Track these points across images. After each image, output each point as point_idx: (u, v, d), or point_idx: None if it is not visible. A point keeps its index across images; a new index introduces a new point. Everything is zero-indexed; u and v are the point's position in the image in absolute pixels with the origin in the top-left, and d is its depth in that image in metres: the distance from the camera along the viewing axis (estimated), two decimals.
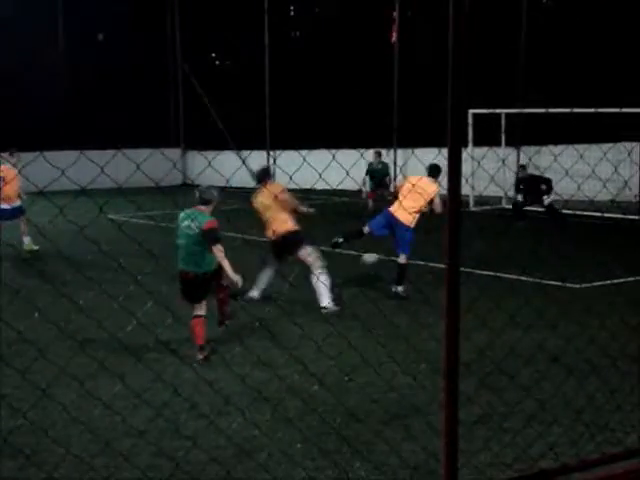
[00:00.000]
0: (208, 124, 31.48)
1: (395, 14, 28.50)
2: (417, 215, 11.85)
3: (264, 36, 31.04)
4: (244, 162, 28.25)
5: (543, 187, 20.01)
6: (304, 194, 19.55)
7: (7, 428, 6.79)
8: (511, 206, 21.26)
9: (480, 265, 12.35)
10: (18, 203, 15.54)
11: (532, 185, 20.22)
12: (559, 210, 19.21)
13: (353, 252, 11.97)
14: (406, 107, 27.79)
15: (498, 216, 21.16)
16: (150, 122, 31.57)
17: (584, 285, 12.55)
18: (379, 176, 21.28)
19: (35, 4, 29.37)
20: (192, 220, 9.27)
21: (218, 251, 9.08)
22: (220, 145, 29.72)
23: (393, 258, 12.11)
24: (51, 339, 9.02)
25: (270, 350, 9.10)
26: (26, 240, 15.42)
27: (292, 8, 35.75)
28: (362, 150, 24.70)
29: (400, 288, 11.92)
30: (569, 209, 17.94)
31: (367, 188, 20.73)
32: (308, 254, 11.26)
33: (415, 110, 27.31)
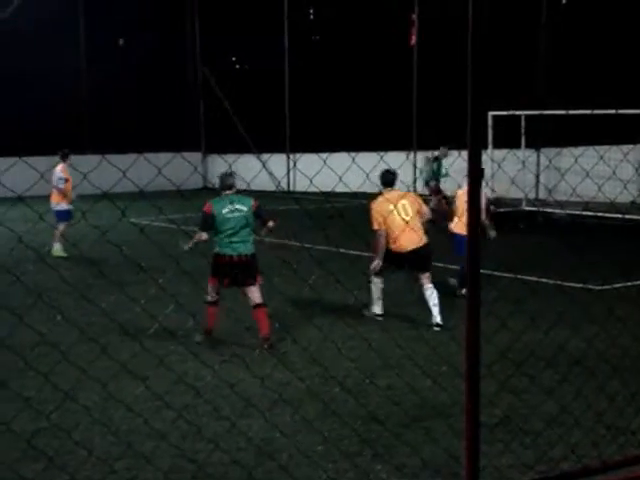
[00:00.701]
0: (228, 127, 31.60)
1: (414, 17, 28.48)
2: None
3: (284, 39, 31.14)
4: (264, 165, 28.37)
5: None
6: (324, 197, 19.58)
7: (30, 430, 6.85)
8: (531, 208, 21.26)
9: (500, 267, 12.31)
10: (65, 207, 15.71)
11: None
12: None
13: (366, 253, 11.98)
14: (426, 109, 27.76)
15: (519, 218, 21.07)
16: (171, 126, 31.74)
17: (605, 287, 12.48)
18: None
19: (56, 9, 29.58)
20: (235, 203, 9.47)
21: (272, 222, 9.57)
22: (240, 148, 29.84)
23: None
24: (74, 342, 9.09)
25: (290, 352, 9.14)
26: (58, 245, 15.64)
27: (311, 12, 35.81)
28: (382, 153, 24.64)
29: (464, 291, 12.06)
30: (590, 210, 17.84)
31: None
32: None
33: (435, 112, 27.26)
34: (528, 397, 7.47)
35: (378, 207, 10.40)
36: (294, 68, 31.52)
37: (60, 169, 16.14)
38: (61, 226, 15.64)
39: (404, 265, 10.41)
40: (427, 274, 10.33)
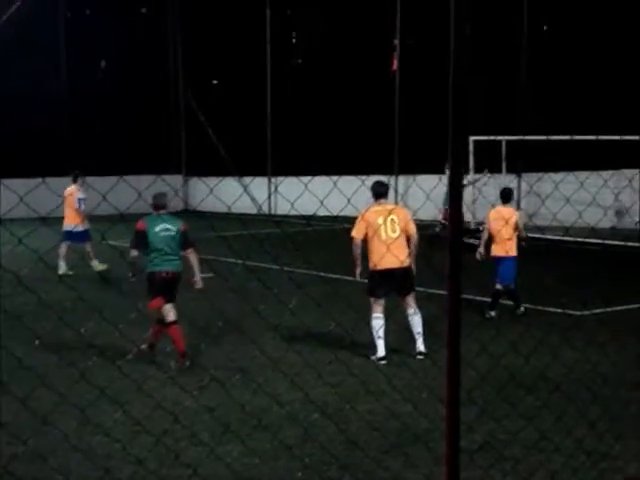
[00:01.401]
0: (210, 150, 31.62)
1: (396, 42, 28.68)
2: (511, 242, 12.44)
3: (266, 64, 31.27)
4: (245, 189, 28.37)
5: None
6: (305, 220, 19.58)
7: (7, 455, 6.76)
8: None
9: (481, 292, 12.34)
10: (83, 227, 15.88)
11: None
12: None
13: (347, 277, 11.99)
14: (407, 134, 27.90)
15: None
16: (152, 149, 31.73)
17: (585, 312, 12.53)
18: None
19: (38, 31, 29.58)
20: (166, 223, 9.77)
21: (195, 251, 9.75)
22: (222, 172, 29.83)
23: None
24: (52, 366, 9.00)
25: (270, 377, 9.09)
26: (95, 262, 15.75)
27: (294, 36, 35.99)
28: (363, 177, 24.72)
29: (522, 308, 12.58)
30: (570, 236, 17.95)
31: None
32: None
33: (416, 137, 27.40)
34: (508, 423, 7.46)
35: (368, 217, 10.21)
36: (276, 92, 31.63)
37: (77, 191, 16.36)
38: (64, 245, 15.38)
39: (389, 288, 10.24)
40: (411, 296, 10.22)
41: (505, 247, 12.44)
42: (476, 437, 7.10)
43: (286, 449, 6.96)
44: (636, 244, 19.51)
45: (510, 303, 12.92)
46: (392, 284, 10.06)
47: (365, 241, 10.22)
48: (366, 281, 10.30)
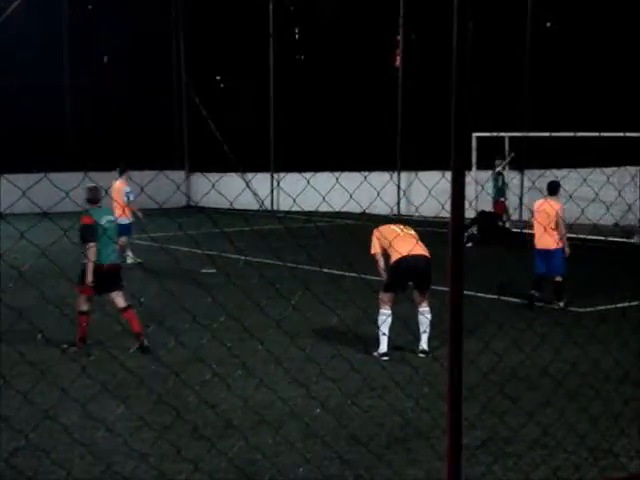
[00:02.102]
0: (212, 146, 31.61)
1: (399, 38, 28.66)
2: (555, 233, 12.67)
3: (269, 59, 31.24)
4: (248, 184, 28.37)
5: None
6: (307, 216, 19.58)
7: (8, 450, 6.76)
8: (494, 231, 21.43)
9: (483, 288, 12.34)
10: (128, 220, 16.44)
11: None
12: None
13: (350, 273, 11.98)
14: (410, 130, 27.87)
15: (502, 239, 21.13)
16: (154, 144, 31.70)
17: (588, 309, 12.52)
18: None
19: (41, 25, 29.57)
20: (106, 215, 10.17)
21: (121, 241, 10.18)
22: (224, 167, 29.82)
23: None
24: (54, 361, 9.01)
25: (273, 372, 9.08)
26: (129, 256, 16.71)
27: (297, 31, 35.96)
28: (366, 173, 24.76)
29: (561, 303, 12.82)
30: (573, 233, 17.93)
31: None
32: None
33: (419, 133, 27.38)
34: (510, 419, 7.45)
35: (383, 231, 10.30)
36: (279, 88, 31.60)
37: (123, 184, 16.87)
38: (123, 239, 16.27)
39: (407, 283, 10.21)
40: (426, 294, 10.19)
41: (552, 238, 12.66)
42: (478, 433, 7.10)
43: (288, 444, 6.96)
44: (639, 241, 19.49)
45: (514, 300, 12.92)
46: (415, 276, 10.00)
47: (385, 254, 10.24)
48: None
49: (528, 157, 23.82)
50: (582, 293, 13.00)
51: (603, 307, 12.61)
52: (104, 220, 10.01)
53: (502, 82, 26.53)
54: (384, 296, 10.08)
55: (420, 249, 10.03)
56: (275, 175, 30.46)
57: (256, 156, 30.63)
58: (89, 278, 9.66)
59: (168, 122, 33.83)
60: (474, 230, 20.88)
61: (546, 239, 12.73)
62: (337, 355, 8.63)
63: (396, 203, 26.29)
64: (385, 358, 9.85)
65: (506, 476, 6.33)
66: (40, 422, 6.89)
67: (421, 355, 9.97)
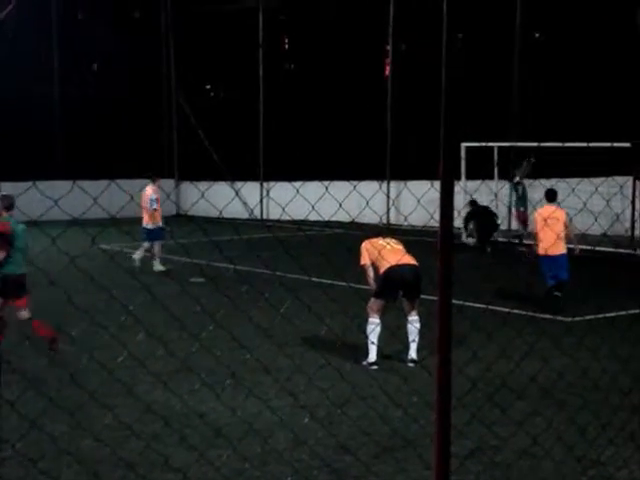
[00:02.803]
0: (202, 155, 31.61)
1: (388, 48, 28.75)
2: (562, 239, 13.11)
3: (258, 68, 31.29)
4: (237, 193, 28.38)
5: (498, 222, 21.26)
6: (297, 225, 19.58)
7: None
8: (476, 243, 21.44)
9: (472, 298, 12.36)
10: (158, 226, 17.13)
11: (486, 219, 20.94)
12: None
13: (339, 282, 11.98)
14: (399, 139, 27.94)
15: (490, 249, 21.18)
16: (144, 153, 31.67)
17: (576, 318, 12.55)
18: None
19: (31, 33, 29.56)
20: (20, 223, 9.96)
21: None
22: (214, 176, 29.81)
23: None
24: (42, 369, 8.97)
25: (261, 382, 9.07)
26: (157, 263, 17.01)
27: (286, 41, 36.03)
28: (355, 182, 24.75)
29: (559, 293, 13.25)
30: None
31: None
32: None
33: (408, 142, 27.46)
34: (499, 428, 7.46)
35: (370, 245, 10.33)
36: (268, 97, 31.65)
37: (152, 191, 17.17)
38: (157, 245, 16.96)
39: (397, 291, 10.21)
40: (415, 303, 10.20)
41: (562, 243, 13.12)
42: (467, 442, 7.10)
43: (276, 454, 6.95)
44: (627, 250, 19.57)
45: (501, 309, 12.95)
46: (404, 285, 10.01)
47: (374, 266, 10.25)
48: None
49: (516, 167, 23.89)
50: (570, 303, 13.05)
51: (592, 316, 12.64)
52: (20, 228, 9.86)
53: (491, 92, 26.63)
54: (373, 304, 10.09)
55: (409, 259, 10.07)
56: (265, 184, 30.47)
57: (245, 165, 30.65)
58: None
59: (158, 131, 33.81)
60: (472, 227, 20.96)
61: (559, 245, 13.07)
62: (326, 364, 8.63)
63: (385, 212, 26.33)
64: (374, 367, 9.85)
65: None
66: (27, 431, 6.86)
67: (410, 364, 9.97)
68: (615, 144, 19.06)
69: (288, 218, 23.07)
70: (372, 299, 10.17)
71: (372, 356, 9.98)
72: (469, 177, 21.84)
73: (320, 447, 7.17)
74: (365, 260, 10.30)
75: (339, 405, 8.00)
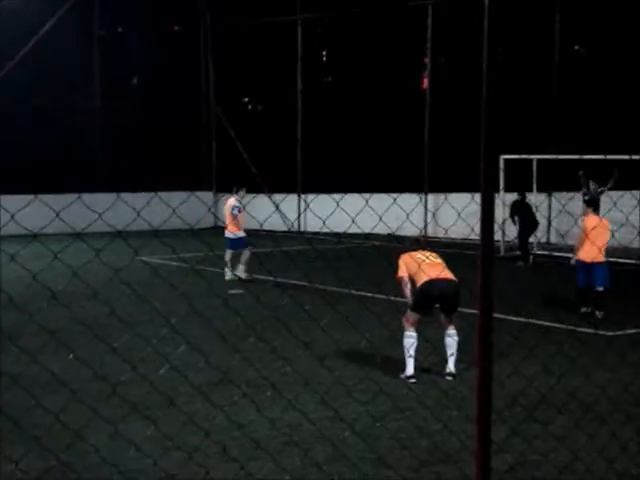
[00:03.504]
0: (240, 168, 31.82)
1: (427, 60, 28.74)
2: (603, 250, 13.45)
3: (297, 81, 31.46)
4: (278, 207, 28.55)
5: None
6: (336, 237, 19.61)
7: (39, 469, 6.84)
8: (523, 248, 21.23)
9: (513, 311, 12.29)
10: (241, 235, 17.58)
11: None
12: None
13: (378, 295, 12.01)
14: (438, 152, 27.91)
15: (531, 262, 21.04)
16: (183, 165, 31.96)
17: (618, 333, 12.42)
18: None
19: (72, 47, 30.00)
20: None
21: None
22: (252, 188, 29.97)
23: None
24: (85, 381, 9.09)
25: (301, 394, 9.10)
26: (241, 269, 17.37)
27: (324, 54, 36.14)
28: (395, 194, 24.73)
29: (601, 314, 13.38)
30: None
31: None
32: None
33: (447, 155, 27.40)
34: (539, 444, 7.42)
35: (409, 258, 10.29)
36: (307, 109, 31.79)
37: (234, 200, 17.78)
38: (246, 252, 17.47)
39: (434, 305, 10.20)
40: (452, 317, 10.17)
41: (601, 251, 13.31)
42: (507, 457, 7.06)
43: (316, 466, 6.97)
44: None
45: (543, 323, 12.86)
46: (442, 299, 9.98)
47: (411, 279, 10.22)
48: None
49: (556, 180, 23.71)
50: (612, 317, 12.92)
51: (634, 331, 12.50)
52: None
53: (530, 103, 26.48)
54: (409, 317, 10.08)
55: (448, 274, 10.03)
56: (303, 196, 30.58)
57: (284, 177, 30.79)
58: None
59: (197, 144, 34.11)
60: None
61: (598, 252, 13.17)
62: (365, 377, 8.65)
63: (424, 225, 26.29)
64: (412, 380, 9.82)
65: None
66: (71, 442, 6.95)
67: (449, 378, 9.94)
68: None
69: (327, 230, 23.19)
70: (408, 312, 10.17)
71: (410, 369, 9.97)
72: (507, 190, 21.68)
73: (359, 460, 7.18)
74: (402, 273, 10.27)
75: (378, 418, 8.01)
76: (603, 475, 6.82)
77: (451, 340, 10.03)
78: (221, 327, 10.91)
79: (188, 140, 33.53)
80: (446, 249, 15.63)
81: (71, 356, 9.38)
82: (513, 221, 20.93)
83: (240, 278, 17.09)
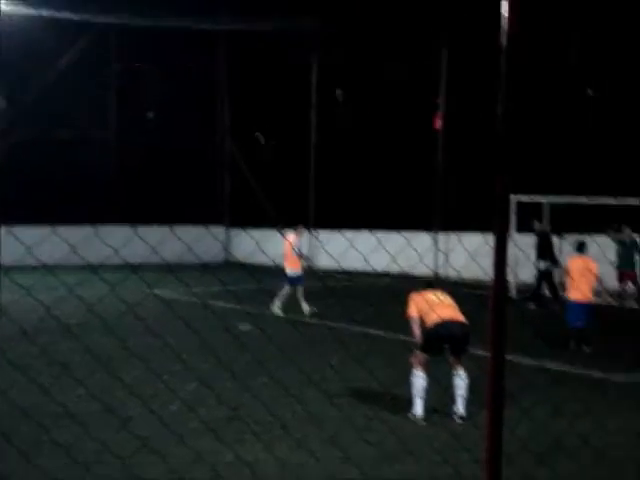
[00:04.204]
0: (253, 202, 32.03)
1: (440, 100, 28.94)
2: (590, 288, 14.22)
3: (311, 118, 31.73)
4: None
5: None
6: (347, 275, 19.65)
7: None
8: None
9: (525, 354, 12.25)
10: (300, 272, 18.14)
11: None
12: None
13: (389, 334, 12.01)
14: (450, 192, 28.01)
15: (541, 304, 20.96)
16: (195, 199, 32.18)
17: (629, 380, 12.35)
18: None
19: (88, 81, 30.38)
20: None
21: None
22: (263, 223, 30.12)
23: None
24: (95, 415, 9.10)
25: (310, 433, 9.07)
26: (304, 305, 17.94)
27: (339, 91, 36.44)
28: (406, 233, 24.82)
29: (587, 348, 14.05)
30: (612, 298, 17.75)
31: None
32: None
33: (459, 194, 27.49)
34: None
35: (420, 297, 10.27)
36: (320, 146, 32.04)
37: (294, 239, 18.30)
38: (300, 289, 18.00)
39: (443, 346, 10.16)
40: (461, 358, 10.13)
41: (588, 292, 14.08)
42: None
43: None
44: None
45: (556, 368, 12.81)
46: (451, 340, 9.93)
47: (421, 319, 10.19)
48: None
49: (568, 221, 23.69)
50: (626, 362, 12.85)
51: None
52: None
53: (542, 145, 26.59)
54: (417, 357, 10.04)
55: (457, 315, 10.02)
56: (315, 233, 30.67)
57: (296, 213, 30.95)
58: None
59: (211, 178, 34.35)
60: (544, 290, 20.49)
61: (588, 292, 14.05)
62: (375, 417, 8.62)
63: (436, 264, 26.30)
64: (421, 422, 9.76)
65: None
66: (81, 477, 6.95)
67: (458, 420, 9.88)
68: None
69: (338, 267, 23.23)
70: (416, 352, 10.14)
71: (418, 409, 9.91)
72: (519, 230, 21.67)
73: None
74: (412, 312, 10.23)
75: (387, 460, 7.97)
76: None
77: (460, 381, 9.99)
78: (231, 363, 10.92)
79: (202, 174, 33.82)
80: (457, 288, 15.62)
81: (83, 391, 9.41)
82: (542, 254, 20.52)
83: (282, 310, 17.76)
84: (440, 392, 10.04)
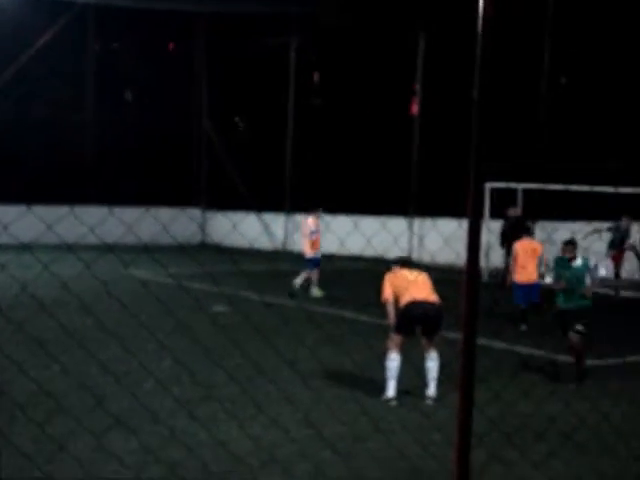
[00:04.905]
0: (229, 185, 31.99)
1: (417, 86, 29.02)
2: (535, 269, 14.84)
3: (288, 102, 31.71)
4: (267, 228, 28.64)
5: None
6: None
7: None
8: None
9: (495, 338, 12.41)
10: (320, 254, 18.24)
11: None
12: None
13: (364, 316, 12.09)
14: (426, 176, 28.14)
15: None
16: (172, 181, 32.11)
17: (598, 362, 12.55)
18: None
19: (66, 61, 30.14)
20: None
21: None
22: (240, 206, 30.13)
23: None
24: (70, 392, 9.13)
25: (284, 412, 9.16)
26: (314, 289, 18.05)
27: (316, 77, 36.41)
28: (382, 217, 24.93)
29: (524, 326, 14.78)
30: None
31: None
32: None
33: (435, 179, 27.62)
34: (517, 469, 7.50)
35: (394, 277, 10.34)
36: (297, 130, 32.04)
37: (311, 222, 18.24)
38: (315, 272, 18.00)
39: (416, 326, 10.27)
40: (433, 340, 10.23)
41: (535, 272, 14.73)
42: None
43: None
44: None
45: (526, 351, 12.97)
46: (423, 321, 10.02)
47: (396, 298, 10.25)
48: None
49: (542, 208, 23.89)
50: (593, 346, 13.04)
51: (614, 360, 12.63)
52: None
53: (518, 131, 26.75)
54: (393, 339, 10.12)
55: (431, 296, 10.09)
56: (292, 216, 30.73)
57: (272, 196, 30.96)
58: None
59: (187, 160, 34.26)
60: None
61: (533, 273, 14.74)
62: (348, 398, 8.71)
63: (412, 249, 26.44)
64: (393, 403, 9.87)
65: None
66: (55, 454, 6.99)
67: (429, 402, 9.99)
68: None
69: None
70: (391, 334, 10.23)
71: (390, 392, 10.00)
72: (493, 216, 21.81)
73: None
74: (387, 295, 10.26)
75: (360, 439, 8.07)
76: None
77: (432, 364, 10.09)
78: (207, 343, 10.97)
79: (179, 156, 33.72)
80: (431, 272, 15.74)
81: (57, 367, 9.44)
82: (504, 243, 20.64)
83: (295, 286, 17.89)
84: (413, 374, 10.17)
